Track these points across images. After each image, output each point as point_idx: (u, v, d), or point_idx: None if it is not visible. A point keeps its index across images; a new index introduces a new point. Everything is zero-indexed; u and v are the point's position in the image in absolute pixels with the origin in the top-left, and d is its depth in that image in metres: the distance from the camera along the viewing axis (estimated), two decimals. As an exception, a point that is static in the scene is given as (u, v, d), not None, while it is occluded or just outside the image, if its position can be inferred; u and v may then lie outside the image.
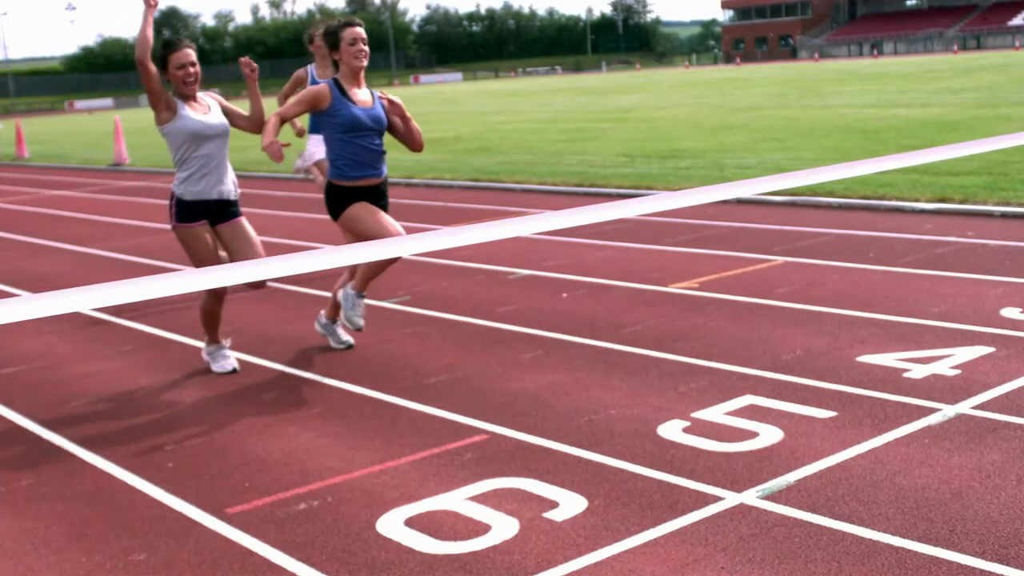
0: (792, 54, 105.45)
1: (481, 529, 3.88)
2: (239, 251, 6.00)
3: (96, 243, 11.96)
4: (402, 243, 2.68)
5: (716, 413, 4.94)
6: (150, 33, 5.66)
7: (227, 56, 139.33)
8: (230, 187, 6.05)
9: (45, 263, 10.82)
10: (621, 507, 3.98)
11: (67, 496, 4.47)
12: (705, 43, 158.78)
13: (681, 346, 6.10)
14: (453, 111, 37.85)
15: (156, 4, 5.67)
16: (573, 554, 3.64)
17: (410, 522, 3.98)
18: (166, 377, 6.21)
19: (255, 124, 6.05)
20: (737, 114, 24.58)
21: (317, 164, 9.02)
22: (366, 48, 5.90)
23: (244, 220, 6.11)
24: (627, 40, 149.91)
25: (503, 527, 3.88)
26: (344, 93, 5.83)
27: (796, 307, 6.83)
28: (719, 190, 3.21)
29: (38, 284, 9.52)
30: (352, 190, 5.87)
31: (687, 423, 4.83)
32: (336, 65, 5.95)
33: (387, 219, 5.90)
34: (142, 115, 62.99)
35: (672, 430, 4.76)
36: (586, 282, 8.04)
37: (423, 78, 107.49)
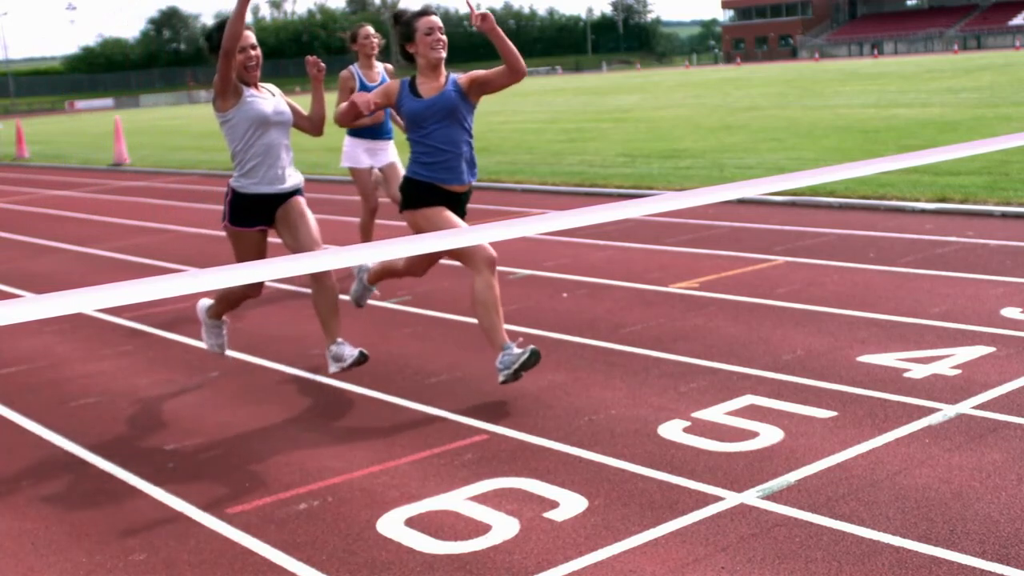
0: (792, 54, 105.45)
1: (481, 529, 3.88)
2: (296, 237, 5.61)
3: (96, 243, 11.97)
4: (404, 244, 2.68)
5: (716, 413, 4.94)
6: (242, 27, 5.31)
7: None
8: (292, 180, 5.70)
9: (45, 263, 10.82)
10: (621, 507, 3.98)
11: (67, 496, 4.47)
12: (705, 43, 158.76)
13: (681, 346, 6.10)
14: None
15: None
16: (573, 554, 3.64)
17: (410, 522, 3.98)
18: (166, 377, 6.21)
19: (316, 126, 5.77)
20: (737, 114, 24.58)
21: (353, 171, 8.67)
22: (444, 37, 5.40)
23: (303, 201, 5.73)
24: (627, 40, 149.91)
25: (503, 527, 3.88)
26: (413, 89, 5.40)
27: (796, 307, 6.83)
28: (723, 190, 3.21)
29: (38, 284, 9.52)
30: (429, 187, 5.41)
31: (687, 423, 4.83)
32: (410, 58, 5.46)
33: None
34: (142, 115, 63.02)
35: (672, 430, 4.75)
36: (586, 282, 8.04)
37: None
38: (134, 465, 4.78)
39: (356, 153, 8.62)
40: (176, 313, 7.87)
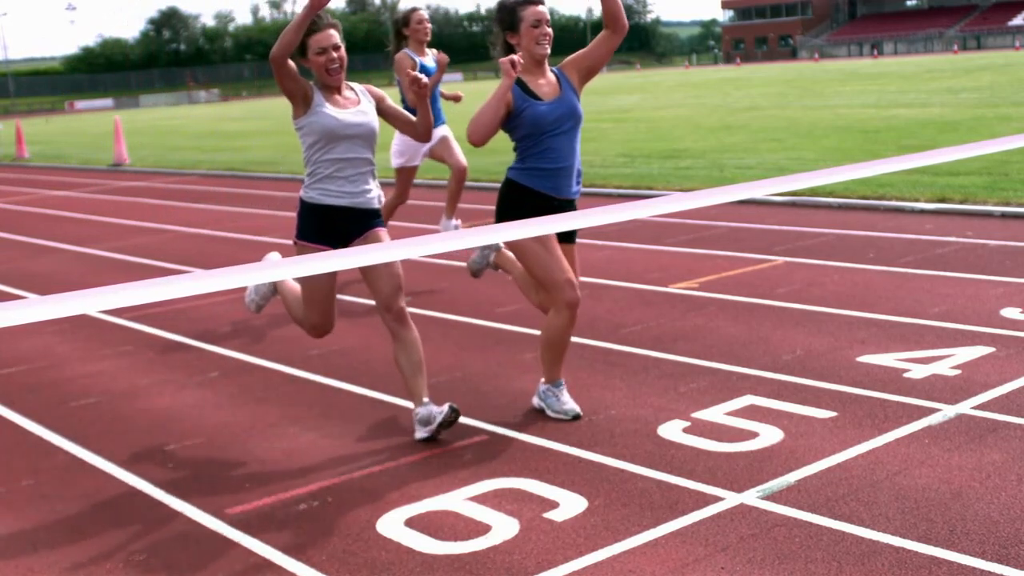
0: (792, 54, 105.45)
1: (481, 529, 3.88)
2: (375, 281, 4.87)
3: (96, 243, 11.96)
4: (409, 246, 2.68)
5: (716, 413, 4.94)
6: (298, 38, 4.64)
7: (227, 56, 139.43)
8: (370, 197, 4.94)
9: (45, 263, 10.82)
10: (621, 507, 3.98)
11: (67, 496, 4.47)
12: (705, 43, 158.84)
13: (681, 346, 6.10)
14: (453, 111, 37.68)
15: (323, 4, 4.57)
16: (573, 554, 3.64)
17: (410, 522, 3.98)
18: (166, 377, 6.21)
19: (420, 134, 5.04)
20: (737, 114, 24.58)
21: (401, 169, 8.36)
22: (551, 31, 4.86)
23: (383, 232, 5.01)
24: (627, 40, 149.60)
25: (503, 527, 3.88)
26: (526, 89, 4.82)
27: (796, 307, 6.83)
28: (727, 192, 3.21)
29: (38, 284, 9.52)
30: (536, 196, 4.86)
31: (687, 423, 4.83)
32: (510, 50, 4.88)
33: (565, 262, 4.87)
34: (142, 116, 63.02)
35: (672, 430, 4.76)
36: (586, 282, 8.03)
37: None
38: (134, 465, 4.78)
39: (410, 151, 8.31)
40: (176, 313, 7.87)
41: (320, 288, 4.93)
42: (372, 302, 7.61)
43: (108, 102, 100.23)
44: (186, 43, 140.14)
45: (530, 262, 4.84)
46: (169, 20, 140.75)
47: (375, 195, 4.96)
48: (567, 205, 4.92)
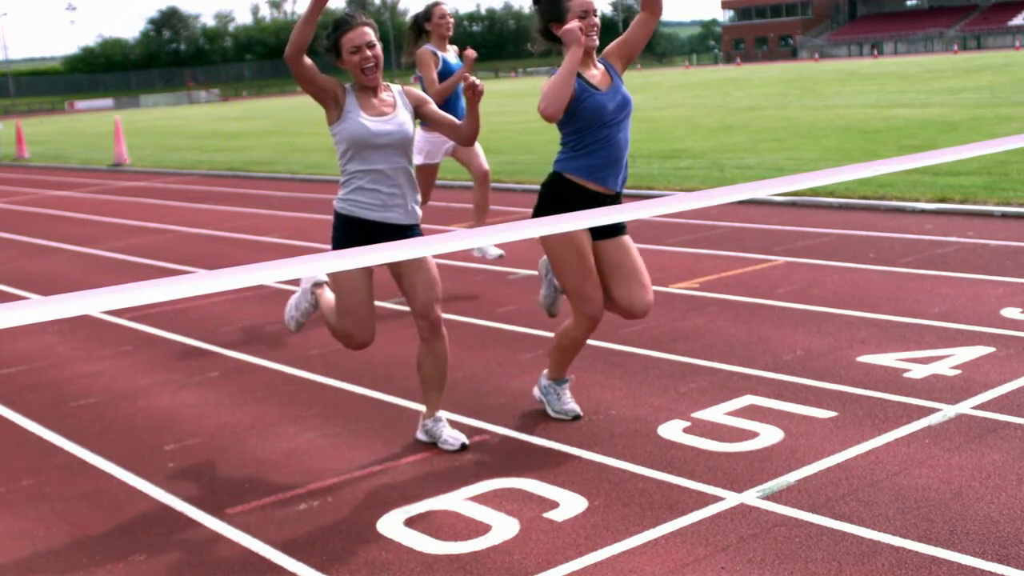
0: (792, 54, 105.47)
1: (481, 529, 3.88)
2: (412, 290, 4.68)
3: (96, 243, 11.96)
4: (410, 246, 2.67)
5: (716, 413, 4.94)
6: (309, 33, 4.41)
7: (227, 56, 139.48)
8: (404, 211, 4.69)
9: (45, 263, 10.82)
10: (621, 507, 3.98)
11: (67, 496, 4.47)
12: (705, 43, 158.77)
13: (681, 346, 6.10)
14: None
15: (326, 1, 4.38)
16: (573, 554, 3.64)
17: (410, 522, 3.98)
18: (166, 377, 6.21)
19: (466, 138, 4.77)
20: (737, 114, 24.58)
21: (422, 167, 8.18)
22: (598, 21, 4.68)
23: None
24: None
25: (503, 527, 3.88)
26: (582, 79, 4.66)
27: (796, 307, 6.83)
28: (730, 191, 3.21)
29: (38, 284, 9.52)
30: (585, 191, 4.69)
31: (687, 423, 4.83)
32: (553, 39, 4.73)
33: (596, 275, 4.74)
34: (142, 116, 63.02)
35: (672, 430, 4.76)
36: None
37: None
38: (134, 465, 4.78)
39: (431, 149, 8.15)
40: (176, 313, 7.87)
41: (352, 297, 4.68)
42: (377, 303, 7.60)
43: (108, 102, 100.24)
44: (186, 43, 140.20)
45: (561, 268, 4.72)
46: (169, 20, 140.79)
47: (411, 208, 4.71)
48: (613, 200, 4.76)
